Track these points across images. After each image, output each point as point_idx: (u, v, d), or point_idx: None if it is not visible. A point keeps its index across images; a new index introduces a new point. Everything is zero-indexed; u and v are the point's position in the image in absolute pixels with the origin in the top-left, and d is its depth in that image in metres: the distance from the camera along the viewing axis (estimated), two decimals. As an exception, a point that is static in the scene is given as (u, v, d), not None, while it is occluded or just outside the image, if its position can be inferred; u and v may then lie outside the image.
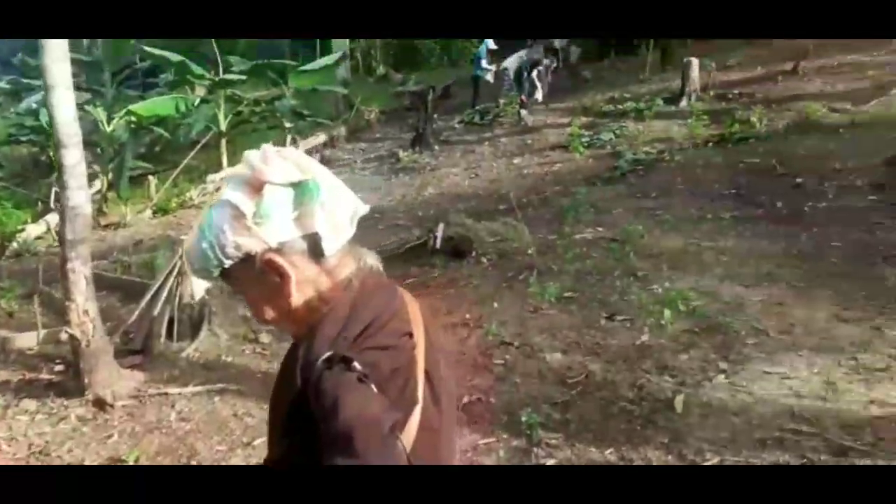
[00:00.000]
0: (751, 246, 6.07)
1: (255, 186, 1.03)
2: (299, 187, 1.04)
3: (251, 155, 1.07)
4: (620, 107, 12.94)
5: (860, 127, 9.43)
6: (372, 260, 1.14)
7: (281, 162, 1.04)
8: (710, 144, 10.04)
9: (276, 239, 1.02)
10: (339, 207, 1.07)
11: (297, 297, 1.06)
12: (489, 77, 15.26)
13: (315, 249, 1.05)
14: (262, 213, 1.02)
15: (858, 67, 12.67)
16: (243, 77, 12.50)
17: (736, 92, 12.75)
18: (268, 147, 1.08)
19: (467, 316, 4.99)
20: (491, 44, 15.28)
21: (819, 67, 13.16)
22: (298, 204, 1.04)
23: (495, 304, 5.18)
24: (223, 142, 12.80)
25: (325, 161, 13.07)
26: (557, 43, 17.64)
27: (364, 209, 1.11)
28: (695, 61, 12.88)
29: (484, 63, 15.21)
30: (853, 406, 3.39)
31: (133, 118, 11.83)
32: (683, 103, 12.42)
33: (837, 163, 7.87)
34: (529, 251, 6.29)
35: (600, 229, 6.89)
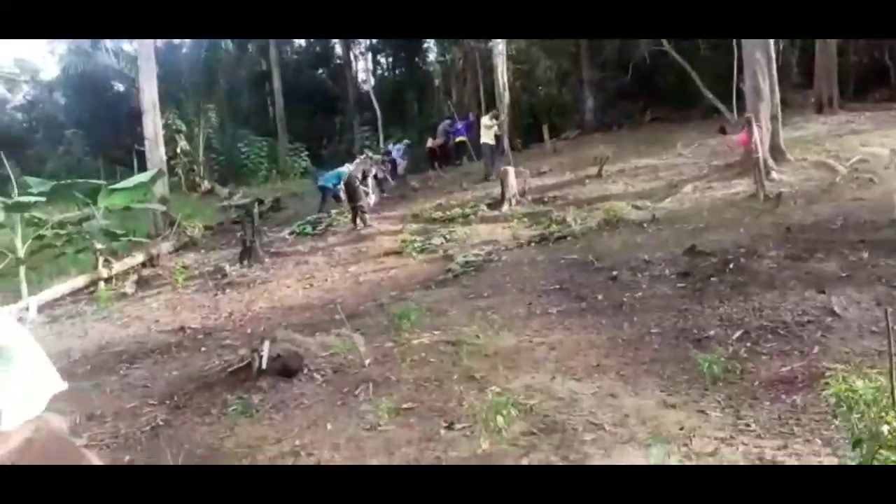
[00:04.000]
0: (578, 338, 6.24)
1: None
2: None
3: None
4: (448, 213, 13.38)
5: (660, 222, 10.39)
6: (57, 422, 1.00)
7: None
8: (533, 244, 10.55)
9: None
10: (30, 382, 0.95)
11: None
12: (343, 197, 15.23)
13: None
14: None
15: (652, 169, 14.17)
16: (42, 198, 11.40)
17: (550, 195, 13.70)
18: None
19: (297, 443, 4.55)
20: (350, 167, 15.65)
21: (619, 170, 14.57)
22: None
23: (328, 426, 4.79)
24: (22, 269, 11.47)
25: (143, 281, 12.21)
26: (394, 152, 18.40)
27: (62, 387, 0.99)
28: (511, 169, 13.77)
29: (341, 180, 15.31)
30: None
31: None
32: (505, 207, 13.09)
33: (646, 255, 8.49)
34: (366, 363, 6.02)
35: (437, 333, 6.79)
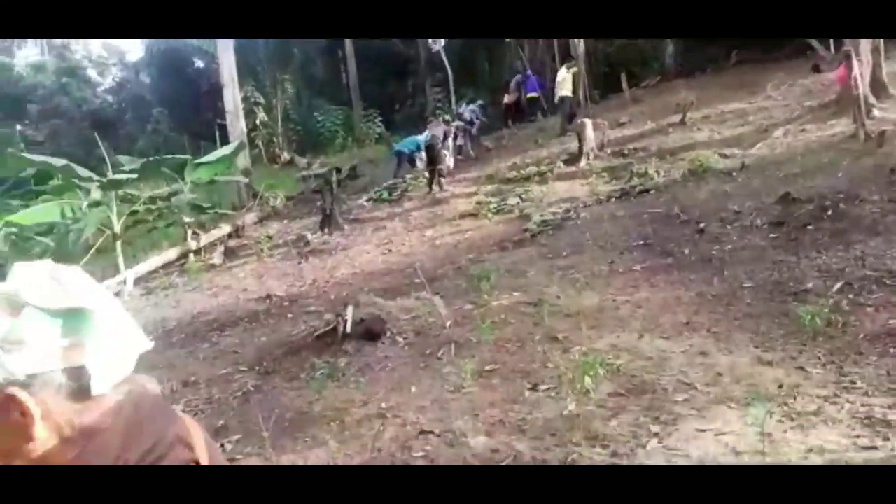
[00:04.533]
0: (665, 296, 6.02)
1: (14, 306, 0.86)
2: (69, 315, 0.89)
3: (18, 270, 0.91)
4: (523, 172, 13.13)
5: (750, 169, 9.83)
6: (150, 384, 0.99)
7: (50, 284, 0.90)
8: (613, 199, 10.22)
9: (25, 370, 0.85)
10: (117, 343, 0.93)
11: (45, 438, 0.89)
12: (420, 164, 15.39)
13: (79, 387, 0.89)
14: (15, 337, 0.85)
15: (740, 114, 13.40)
16: (134, 175, 11.93)
17: (631, 147, 13.19)
18: (42, 265, 0.93)
19: (383, 405, 4.60)
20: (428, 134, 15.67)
21: (704, 117, 13.86)
22: (65, 334, 0.88)
23: (413, 389, 4.82)
24: (118, 244, 12.11)
25: (230, 251, 12.67)
26: (468, 114, 18.11)
27: (147, 346, 0.97)
28: (588, 122, 13.31)
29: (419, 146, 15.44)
30: (792, 458, 3.20)
31: (13, 229, 11.01)
32: (582, 163, 12.71)
33: (735, 205, 8.07)
34: (447, 325, 6.02)
35: (516, 294, 6.71)
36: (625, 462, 3.45)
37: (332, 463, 3.92)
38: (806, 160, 9.55)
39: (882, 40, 11.71)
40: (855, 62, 10.20)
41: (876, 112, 10.66)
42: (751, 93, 14.82)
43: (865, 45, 11.25)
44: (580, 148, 13.05)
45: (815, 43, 16.37)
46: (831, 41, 14.01)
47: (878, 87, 11.42)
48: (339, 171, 16.01)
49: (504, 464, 3.63)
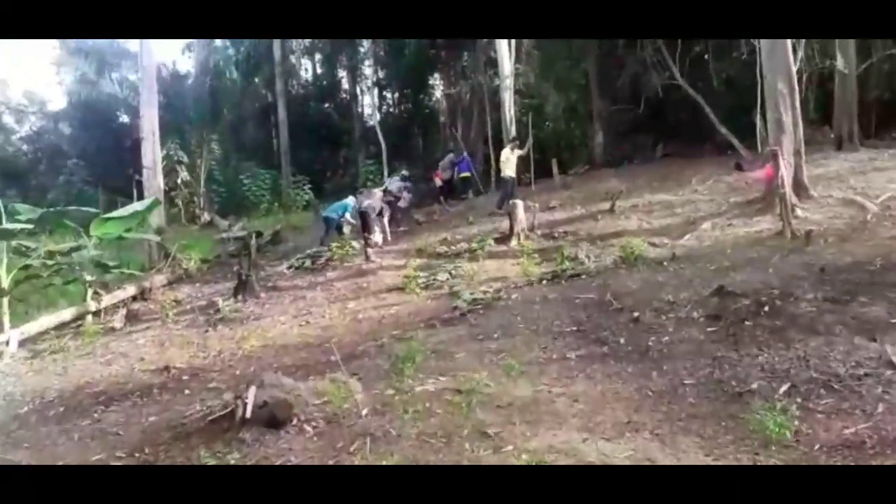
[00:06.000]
0: (603, 389, 5.57)
1: None
2: None
3: None
4: (454, 248, 12.81)
5: (681, 260, 9.75)
6: None
7: None
8: (545, 281, 9.92)
9: None
10: None
11: None
12: (346, 230, 15.18)
13: None
14: None
15: (667, 205, 13.60)
16: (29, 226, 10.86)
17: (561, 230, 13.13)
18: None
19: (280, 513, 3.87)
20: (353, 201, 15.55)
21: (632, 206, 14.01)
22: None
23: (318, 491, 4.11)
24: (5, 300, 10.87)
25: (133, 315, 11.58)
26: (393, 187, 17.89)
27: None
28: (519, 203, 13.24)
29: (348, 216, 15.23)
30: None
31: None
32: (514, 242, 12.51)
33: (669, 295, 7.84)
34: (363, 413, 5.35)
35: (443, 379, 6.12)
36: None
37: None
38: (735, 254, 9.56)
39: (802, 144, 12.20)
40: (781, 161, 10.47)
41: (799, 212, 10.94)
42: (677, 185, 15.19)
43: (788, 146, 11.66)
44: (511, 228, 12.89)
45: (735, 142, 17.13)
46: (759, 143, 14.60)
47: (799, 188, 11.79)
48: (260, 234, 15.33)
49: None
